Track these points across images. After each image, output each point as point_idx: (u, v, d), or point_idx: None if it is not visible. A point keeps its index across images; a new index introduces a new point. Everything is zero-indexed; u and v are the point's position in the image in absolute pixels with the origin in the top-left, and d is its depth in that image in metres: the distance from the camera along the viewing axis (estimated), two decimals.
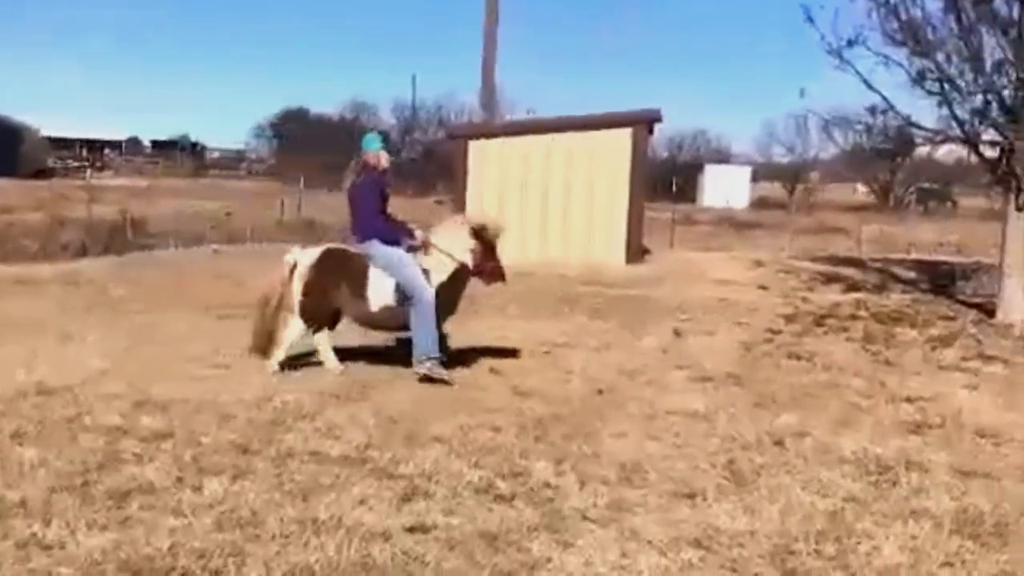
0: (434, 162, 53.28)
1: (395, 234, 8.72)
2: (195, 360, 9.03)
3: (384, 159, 8.90)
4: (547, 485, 5.80)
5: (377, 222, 8.71)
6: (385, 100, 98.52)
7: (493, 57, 23.84)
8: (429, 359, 8.44)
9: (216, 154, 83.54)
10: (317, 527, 5.00)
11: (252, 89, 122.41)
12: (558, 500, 5.55)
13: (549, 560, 4.72)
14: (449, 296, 8.75)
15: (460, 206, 19.09)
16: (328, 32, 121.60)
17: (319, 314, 8.78)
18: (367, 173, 8.81)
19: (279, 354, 8.78)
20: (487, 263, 8.73)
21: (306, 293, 8.71)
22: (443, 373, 8.44)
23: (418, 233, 8.81)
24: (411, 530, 4.99)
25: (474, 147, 19.29)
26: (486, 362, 9.29)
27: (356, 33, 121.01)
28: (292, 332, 8.79)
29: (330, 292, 8.73)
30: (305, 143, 65.46)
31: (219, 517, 5.11)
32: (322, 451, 6.30)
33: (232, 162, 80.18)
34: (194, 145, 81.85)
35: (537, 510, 5.37)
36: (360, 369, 8.84)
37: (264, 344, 8.85)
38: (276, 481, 5.70)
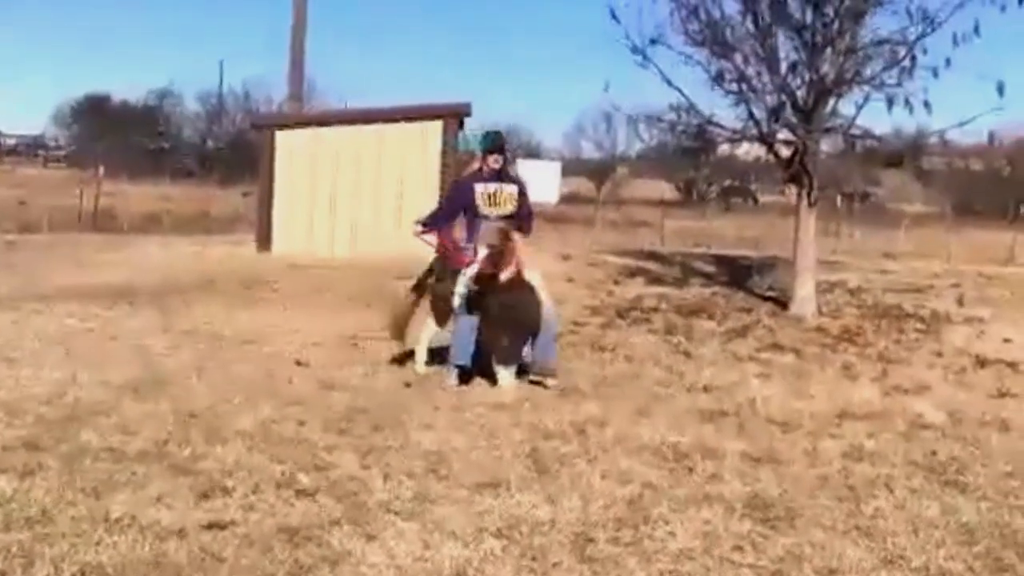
0: (241, 152, 52.11)
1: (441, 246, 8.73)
2: None
3: (479, 160, 8.63)
4: (351, 478, 5.76)
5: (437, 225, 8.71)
6: (192, 87, 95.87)
7: (302, 45, 23.52)
8: (454, 366, 8.37)
9: (12, 140, 79.77)
10: (110, 525, 4.83)
11: (52, 74, 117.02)
12: (362, 493, 5.52)
13: (351, 553, 4.69)
14: (490, 302, 8.24)
15: (267, 198, 18.78)
16: (133, 15, 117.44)
17: (439, 308, 8.68)
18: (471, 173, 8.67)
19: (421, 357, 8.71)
20: (486, 265, 8.22)
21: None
22: (451, 384, 8.29)
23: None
24: (209, 527, 4.88)
25: (281, 137, 18.95)
26: (292, 354, 9.18)
27: (162, 17, 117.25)
28: (426, 331, 8.81)
29: (446, 286, 8.58)
30: (107, 131, 63.30)
31: (6, 516, 4.90)
32: (118, 448, 6.10)
33: (29, 149, 76.71)
34: None
35: (340, 503, 5.32)
36: (157, 362, 8.61)
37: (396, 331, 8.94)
38: (68, 479, 5.48)
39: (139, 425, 6.59)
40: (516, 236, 8.25)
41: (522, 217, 8.60)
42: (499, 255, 8.16)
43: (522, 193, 8.60)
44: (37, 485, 5.35)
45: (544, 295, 8.42)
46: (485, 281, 8.22)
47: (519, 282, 8.20)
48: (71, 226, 25.59)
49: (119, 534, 4.73)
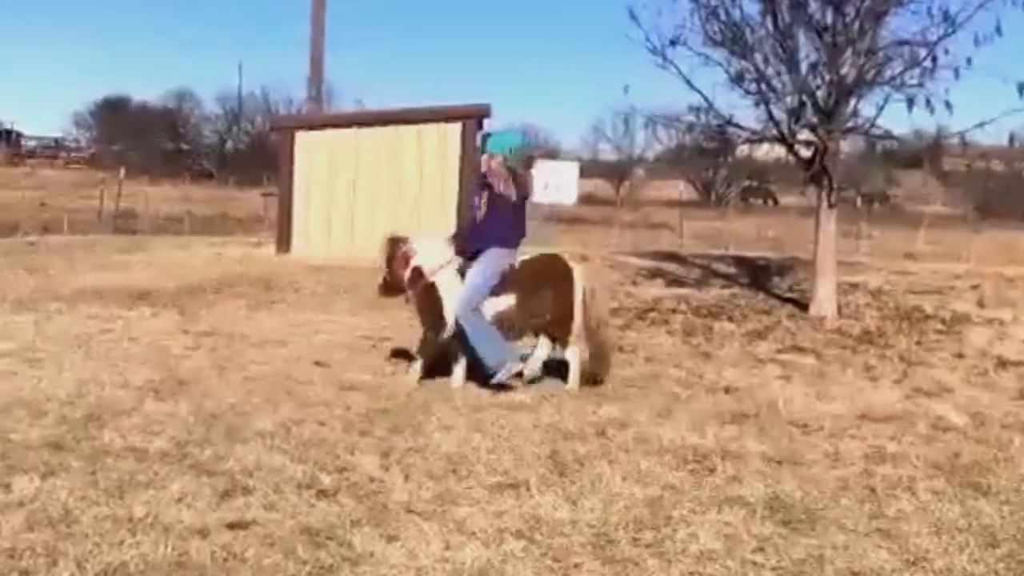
0: (262, 153, 52.30)
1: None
2: (6, 355, 8.66)
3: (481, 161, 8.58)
4: (372, 479, 5.77)
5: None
6: (210, 89, 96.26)
7: (321, 47, 23.54)
8: None
9: (33, 142, 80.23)
10: (133, 525, 4.87)
11: (72, 76, 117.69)
12: (383, 494, 5.53)
13: (372, 554, 4.70)
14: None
15: (286, 199, 18.83)
16: (152, 17, 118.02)
17: None
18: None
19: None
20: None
21: None
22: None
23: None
24: (231, 527, 4.91)
25: (301, 139, 19.00)
26: (311, 355, 9.19)
27: (181, 19, 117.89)
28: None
29: None
30: (126, 132, 63.64)
31: (30, 516, 4.94)
32: (140, 447, 6.13)
33: (50, 151, 77.16)
34: (9, 133, 78.46)
35: (361, 504, 5.34)
36: (177, 362, 8.64)
37: None
38: (91, 478, 5.52)
39: (160, 425, 6.62)
40: (410, 245, 8.38)
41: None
42: (387, 263, 8.40)
43: (487, 199, 8.30)
44: (60, 485, 5.38)
45: (459, 298, 8.12)
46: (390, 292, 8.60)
47: (423, 288, 8.27)
48: (91, 227, 25.71)
49: (142, 534, 4.75)
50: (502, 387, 8.06)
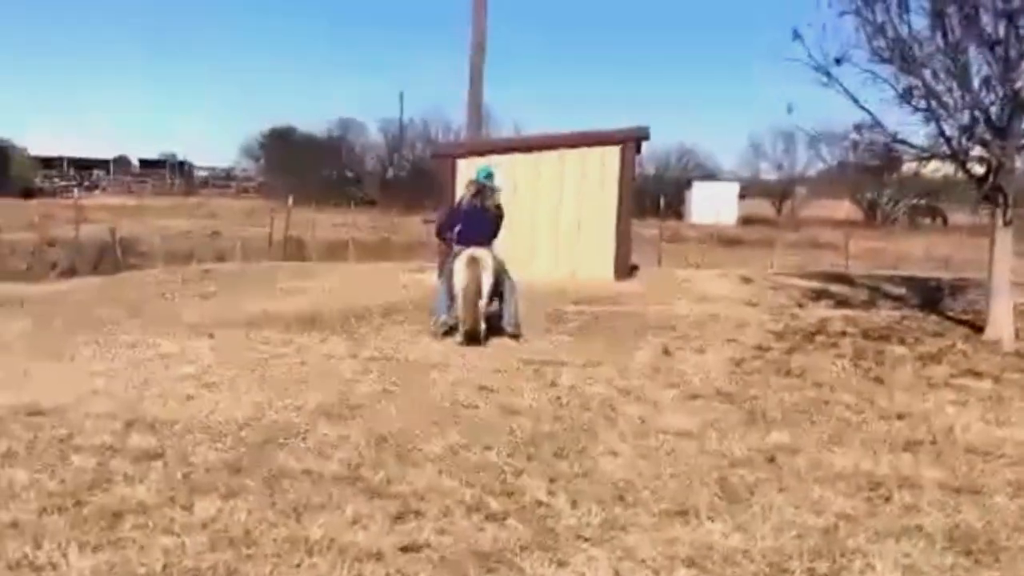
0: (423, 179, 53.22)
1: None
2: (185, 379, 9.00)
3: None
4: (539, 503, 5.79)
5: None
6: (373, 117, 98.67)
7: (481, 74, 23.87)
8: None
9: (204, 172, 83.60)
10: (310, 547, 4.99)
11: (240, 108, 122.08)
12: (551, 519, 5.55)
13: None
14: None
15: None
16: (315, 49, 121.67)
17: None
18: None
19: None
20: None
21: None
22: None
23: None
24: (404, 549, 4.99)
25: (461, 165, 19.24)
26: (475, 380, 9.28)
27: (344, 50, 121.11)
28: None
29: None
30: (293, 161, 65.59)
31: (212, 536, 5.11)
32: (314, 470, 6.29)
33: (221, 180, 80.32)
34: (182, 164, 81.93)
35: (530, 528, 5.36)
36: (348, 387, 8.83)
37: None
38: (268, 500, 5.69)
39: (333, 448, 6.78)
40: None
41: None
42: None
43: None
44: (240, 506, 5.56)
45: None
46: None
47: None
48: (261, 255, 26.55)
49: (319, 556, 4.88)
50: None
